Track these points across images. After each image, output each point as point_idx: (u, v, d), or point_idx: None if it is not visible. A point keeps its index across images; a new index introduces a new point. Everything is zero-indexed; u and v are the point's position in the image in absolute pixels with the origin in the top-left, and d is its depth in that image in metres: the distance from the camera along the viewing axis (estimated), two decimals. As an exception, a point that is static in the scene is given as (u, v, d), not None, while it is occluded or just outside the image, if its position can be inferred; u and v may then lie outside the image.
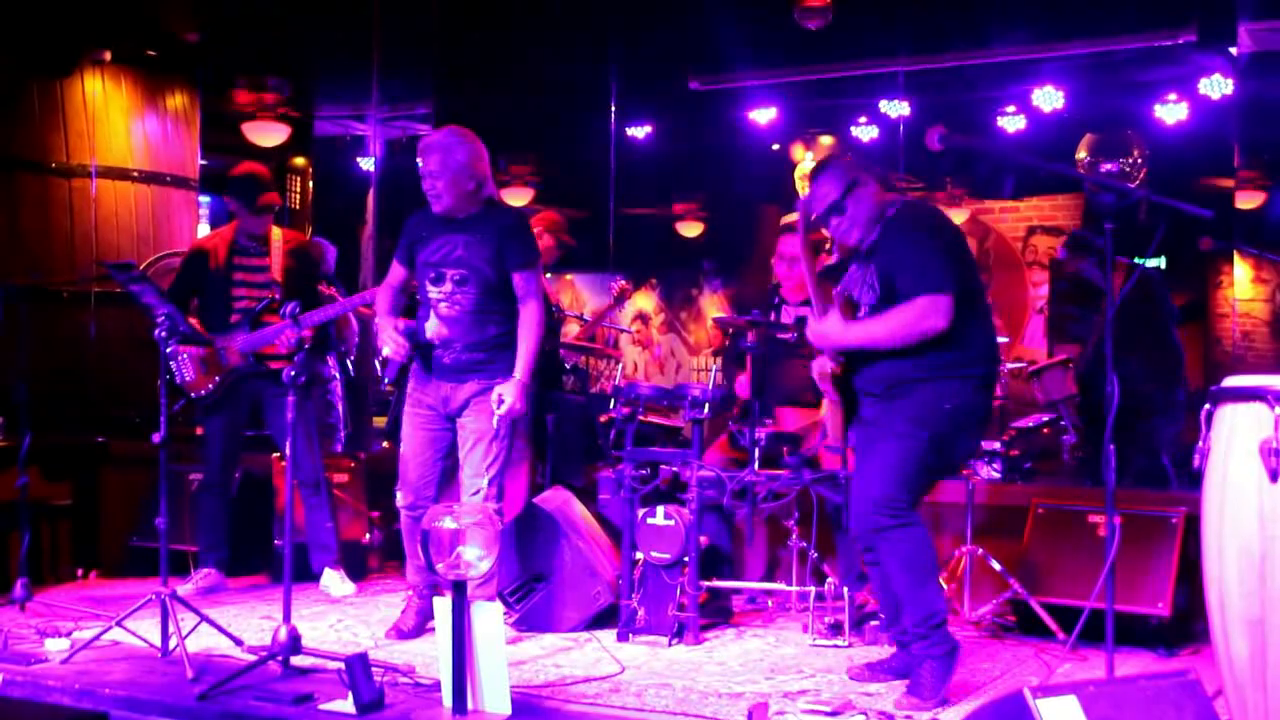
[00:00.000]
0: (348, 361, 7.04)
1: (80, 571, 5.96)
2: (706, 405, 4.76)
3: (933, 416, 3.87)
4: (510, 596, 4.84)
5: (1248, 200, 8.10)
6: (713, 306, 11.47)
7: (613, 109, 9.27)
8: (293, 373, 4.04)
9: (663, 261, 11.53)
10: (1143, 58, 8.24)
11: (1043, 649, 4.56)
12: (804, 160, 10.07)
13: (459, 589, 3.48)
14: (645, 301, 11.89)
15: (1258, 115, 7.55)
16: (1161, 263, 8.42)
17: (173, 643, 4.15)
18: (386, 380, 4.79)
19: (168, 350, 5.23)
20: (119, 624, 4.30)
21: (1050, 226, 10.22)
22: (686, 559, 4.64)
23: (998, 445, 5.86)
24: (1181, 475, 5.97)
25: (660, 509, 4.70)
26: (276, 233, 5.64)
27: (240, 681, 3.79)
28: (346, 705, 3.55)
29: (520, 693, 3.74)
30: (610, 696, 3.86)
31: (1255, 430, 3.15)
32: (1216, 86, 8.02)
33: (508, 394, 4.43)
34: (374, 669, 3.65)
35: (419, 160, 4.55)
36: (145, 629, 4.30)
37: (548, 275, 6.04)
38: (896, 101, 8.92)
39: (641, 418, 5.28)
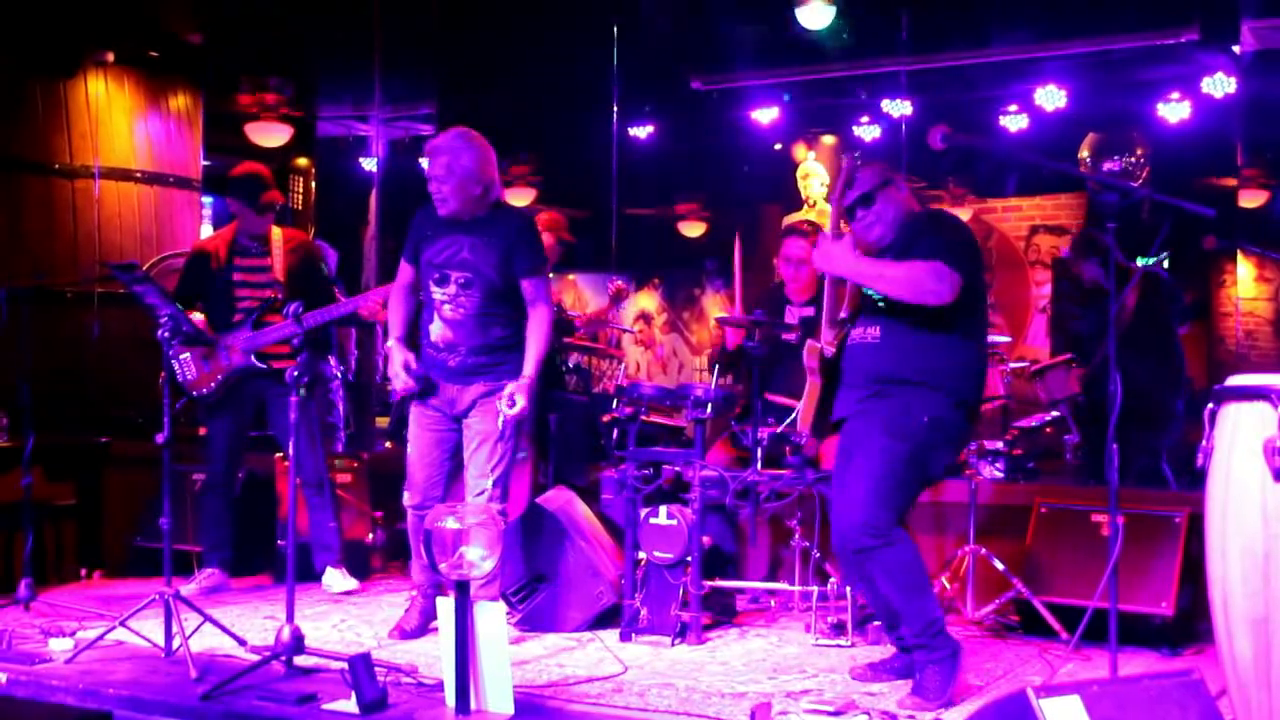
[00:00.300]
0: (349, 362, 7.03)
1: (84, 571, 5.97)
2: (709, 405, 4.77)
3: (911, 428, 3.84)
4: (513, 596, 4.84)
5: (1251, 199, 8.10)
6: (715, 306, 11.47)
7: (615, 109, 9.26)
8: (296, 373, 4.04)
9: (665, 261, 11.52)
10: (1145, 56, 8.23)
11: (1046, 649, 4.56)
12: (806, 160, 10.07)
13: (462, 589, 3.48)
14: (647, 301, 11.89)
15: (1261, 114, 7.55)
16: (1165, 262, 8.41)
17: (176, 643, 4.15)
18: (391, 398, 4.81)
19: (170, 350, 5.23)
20: (123, 624, 4.31)
21: (1053, 226, 10.20)
22: (689, 559, 4.64)
23: (1000, 445, 5.84)
24: (1181, 480, 5.97)
25: (663, 509, 4.71)
26: (277, 233, 5.64)
27: (244, 681, 3.79)
28: (350, 705, 3.56)
29: (523, 692, 3.74)
30: (613, 696, 3.86)
31: (1259, 429, 3.15)
32: (1219, 85, 8.01)
33: (520, 395, 4.42)
34: (377, 669, 3.66)
35: (424, 160, 4.54)
36: (149, 629, 4.31)
37: (550, 275, 6.04)
38: (899, 101, 8.92)
39: (644, 418, 5.29)
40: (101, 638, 4.29)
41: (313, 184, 9.73)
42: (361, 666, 3.57)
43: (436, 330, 4.60)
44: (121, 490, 6.18)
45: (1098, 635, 3.64)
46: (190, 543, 5.79)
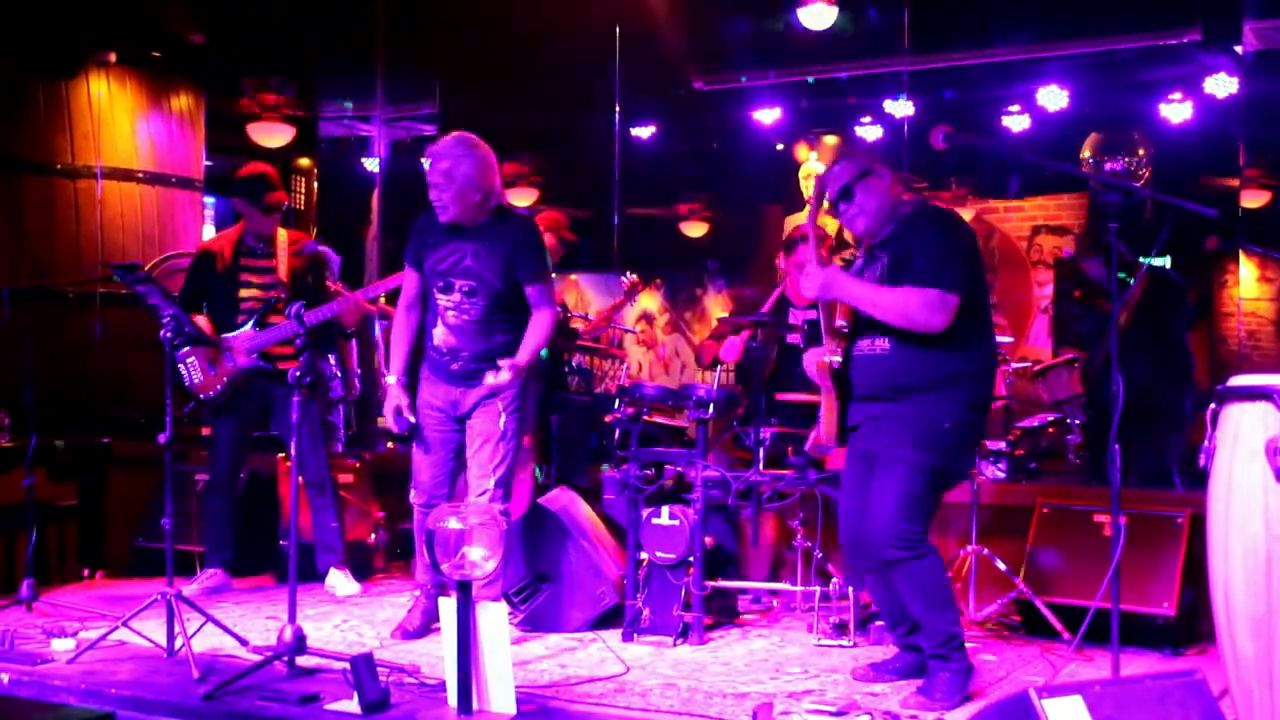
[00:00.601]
0: (353, 381, 7.01)
1: (86, 572, 5.97)
2: (711, 405, 4.77)
3: (936, 438, 3.83)
4: (515, 596, 4.84)
5: (1253, 199, 8.09)
6: (717, 307, 11.46)
7: (617, 109, 9.27)
8: (298, 373, 4.04)
9: (667, 261, 11.52)
10: (1147, 57, 8.23)
11: (1048, 649, 4.56)
12: (808, 160, 10.07)
13: (464, 589, 3.48)
14: (650, 301, 11.88)
15: (1263, 114, 7.54)
16: (1167, 262, 8.41)
17: (178, 643, 4.15)
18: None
19: (177, 353, 5.23)
20: (125, 624, 4.31)
21: (1055, 226, 10.20)
22: (691, 559, 4.65)
23: (1003, 445, 5.85)
24: (1187, 480, 5.97)
25: (665, 509, 4.71)
26: (283, 234, 5.65)
27: (246, 682, 3.79)
28: (352, 705, 3.56)
29: (525, 693, 3.74)
30: (615, 696, 3.86)
31: (1261, 429, 3.15)
32: (1222, 85, 8.01)
33: (508, 369, 4.39)
34: (379, 669, 3.66)
35: (425, 161, 4.53)
36: (151, 629, 4.31)
37: (552, 275, 6.04)
38: (901, 101, 8.92)
39: (646, 418, 5.29)
40: (104, 638, 4.29)
41: (315, 184, 9.73)
42: (364, 666, 3.57)
43: (440, 335, 4.60)
44: (124, 490, 6.19)
45: (1100, 635, 3.64)
46: (192, 543, 5.79)
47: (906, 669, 4.04)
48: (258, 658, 3.99)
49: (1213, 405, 3.30)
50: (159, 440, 4.27)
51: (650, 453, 4.92)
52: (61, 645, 4.30)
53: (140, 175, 7.41)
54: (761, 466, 4.85)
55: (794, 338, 5.57)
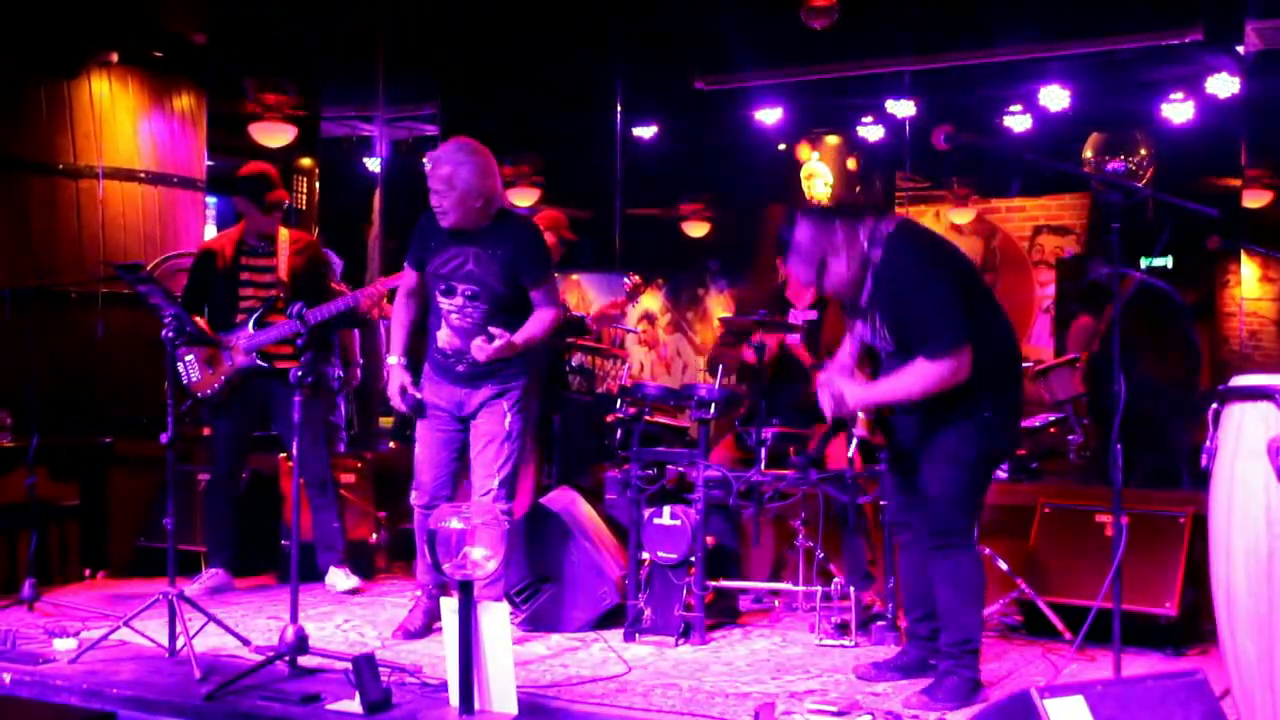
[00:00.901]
0: (354, 371, 7.01)
1: (88, 572, 5.97)
2: (713, 405, 4.77)
3: (979, 428, 3.81)
4: (517, 596, 4.84)
5: (1255, 199, 8.09)
6: (719, 306, 11.46)
7: (618, 109, 9.27)
8: (299, 372, 4.04)
9: (668, 261, 11.53)
10: (1149, 56, 8.23)
11: (1050, 649, 4.55)
12: (810, 160, 10.07)
13: (466, 589, 3.48)
14: (651, 301, 11.88)
15: (1265, 114, 7.55)
16: (1169, 262, 8.41)
17: (180, 643, 4.15)
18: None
19: (176, 351, 5.23)
20: (126, 624, 4.31)
21: (1057, 226, 10.21)
22: (693, 559, 4.65)
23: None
24: (1195, 479, 5.96)
25: (667, 509, 4.71)
26: (284, 233, 5.64)
27: (247, 681, 3.79)
28: (353, 705, 3.56)
29: (527, 693, 3.74)
30: (617, 697, 3.86)
31: (1263, 429, 3.15)
32: (1223, 85, 8.01)
33: (499, 339, 4.37)
34: (381, 669, 3.66)
35: (425, 164, 4.53)
36: (153, 629, 4.31)
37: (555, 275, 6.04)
38: (903, 101, 8.91)
39: (648, 418, 5.28)
40: (105, 638, 4.29)
41: (316, 184, 9.73)
42: (365, 666, 3.57)
43: (444, 337, 4.60)
44: (125, 490, 6.18)
45: (1101, 635, 3.64)
46: (194, 543, 5.79)
47: (910, 666, 4.05)
48: (259, 658, 3.99)
49: (1215, 405, 3.30)
50: (161, 440, 4.27)
51: (652, 452, 4.92)
52: (63, 645, 4.30)
53: (142, 175, 7.41)
54: (763, 466, 4.84)
55: (793, 338, 5.56)
